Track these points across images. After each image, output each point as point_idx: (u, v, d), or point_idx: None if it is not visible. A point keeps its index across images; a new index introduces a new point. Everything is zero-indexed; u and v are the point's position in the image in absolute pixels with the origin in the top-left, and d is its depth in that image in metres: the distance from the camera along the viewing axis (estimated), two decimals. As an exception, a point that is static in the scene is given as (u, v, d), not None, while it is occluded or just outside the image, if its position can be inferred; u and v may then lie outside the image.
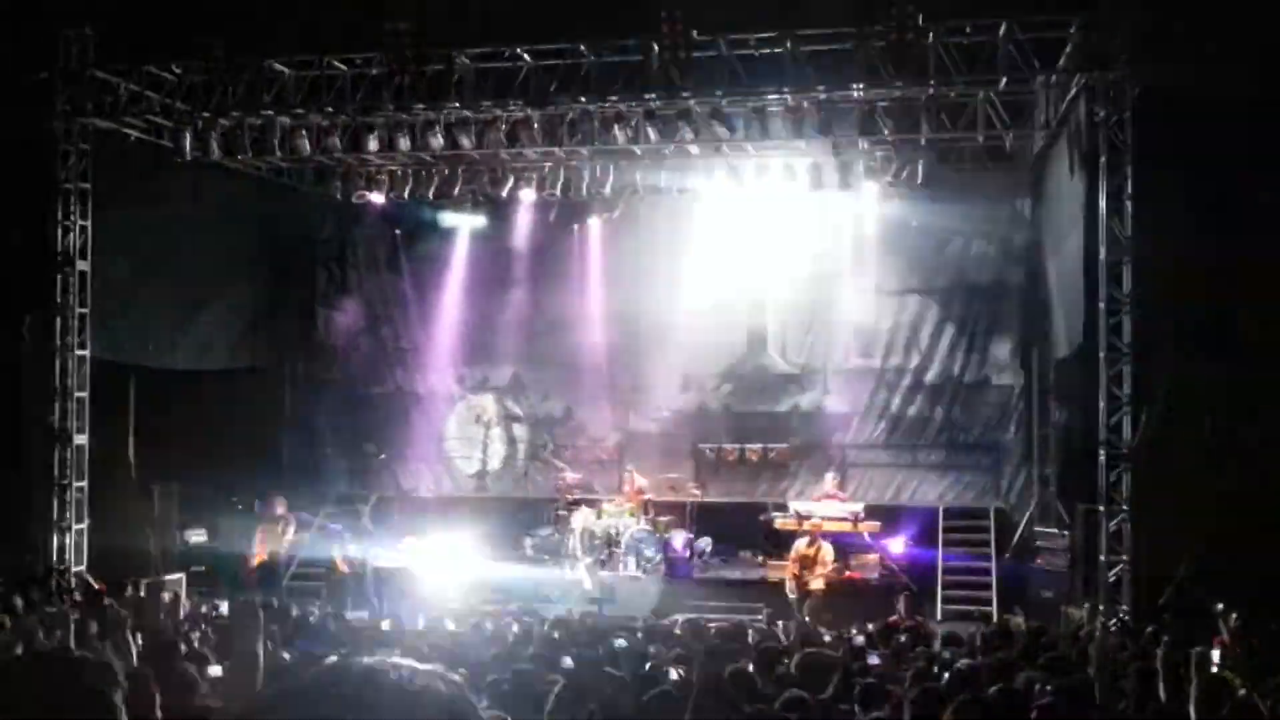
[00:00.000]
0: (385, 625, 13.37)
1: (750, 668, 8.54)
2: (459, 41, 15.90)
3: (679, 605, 15.72)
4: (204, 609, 14.12)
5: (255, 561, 17.21)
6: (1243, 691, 8.74)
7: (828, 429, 20.72)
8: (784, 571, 16.86)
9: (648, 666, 9.06)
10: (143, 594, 15.15)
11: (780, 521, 17.83)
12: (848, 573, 17.36)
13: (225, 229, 19.70)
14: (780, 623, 14.08)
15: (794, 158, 17.88)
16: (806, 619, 15.05)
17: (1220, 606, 11.85)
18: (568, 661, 8.23)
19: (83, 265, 16.92)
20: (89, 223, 16.97)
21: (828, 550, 16.65)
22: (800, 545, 16.71)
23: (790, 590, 16.45)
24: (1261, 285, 13.94)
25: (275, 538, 17.25)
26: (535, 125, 16.73)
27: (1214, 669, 9.35)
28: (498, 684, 7.67)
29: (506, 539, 19.59)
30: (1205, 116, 13.92)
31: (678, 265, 20.55)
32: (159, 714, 4.75)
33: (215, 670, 6.38)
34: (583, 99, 16.18)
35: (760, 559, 18.71)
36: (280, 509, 17.74)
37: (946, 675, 8.72)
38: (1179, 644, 10.27)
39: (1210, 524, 13.82)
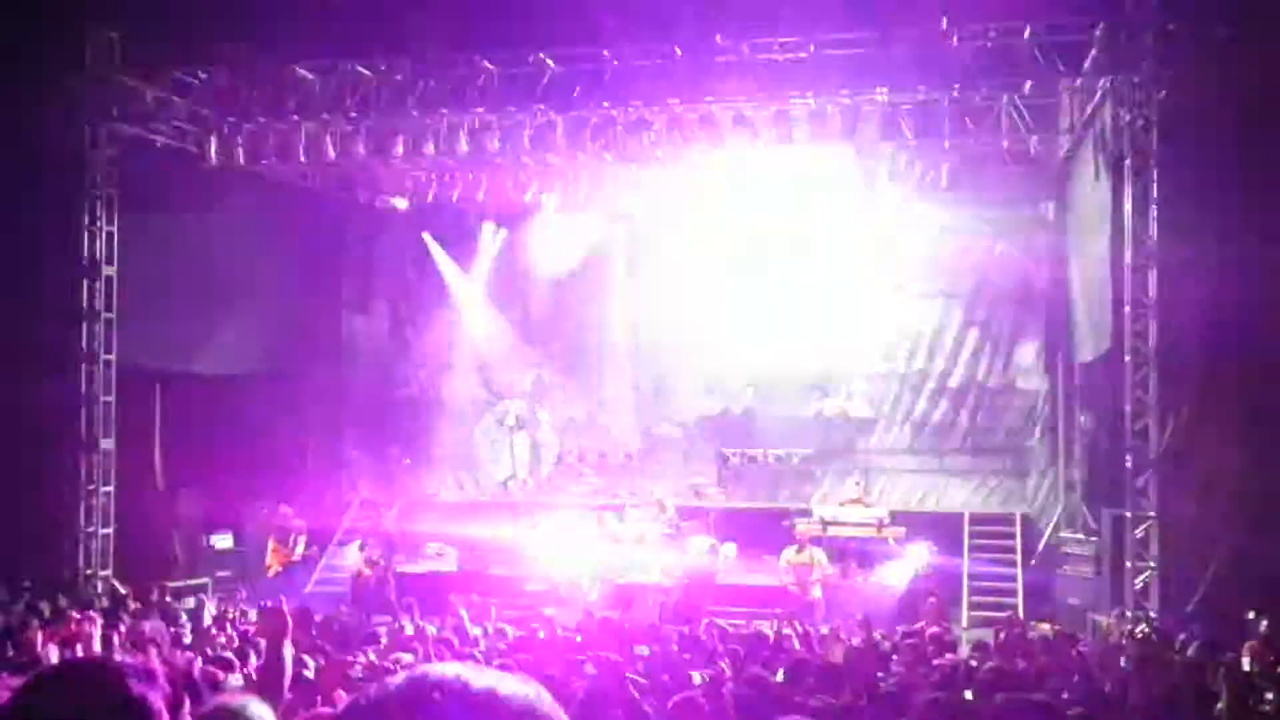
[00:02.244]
0: (408, 630, 13.37)
1: (772, 673, 8.51)
2: (482, 46, 15.92)
3: (702, 611, 15.66)
4: (229, 613, 14.15)
5: (270, 573, 17.16)
6: (1270, 696, 8.68)
7: (851, 433, 20.68)
8: (777, 581, 16.44)
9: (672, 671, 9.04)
10: (168, 598, 15.22)
11: (803, 527, 17.73)
12: (872, 579, 17.29)
13: (250, 234, 19.74)
14: (804, 627, 14.02)
15: (817, 161, 17.84)
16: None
17: (1252, 614, 11.76)
18: (590, 668, 8.20)
19: (109, 270, 17.00)
20: (116, 228, 17.06)
21: (820, 555, 16.37)
22: (789, 554, 16.41)
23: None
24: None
25: (285, 551, 17.11)
26: (559, 130, 16.76)
27: (1244, 675, 9.29)
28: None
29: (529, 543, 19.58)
30: (1231, 118, 13.81)
31: (700, 269, 20.57)
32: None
33: (235, 678, 6.35)
34: (606, 104, 16.20)
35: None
36: (290, 521, 17.59)
37: (972, 683, 8.66)
38: (1209, 650, 10.21)
39: (1239, 529, 13.69)
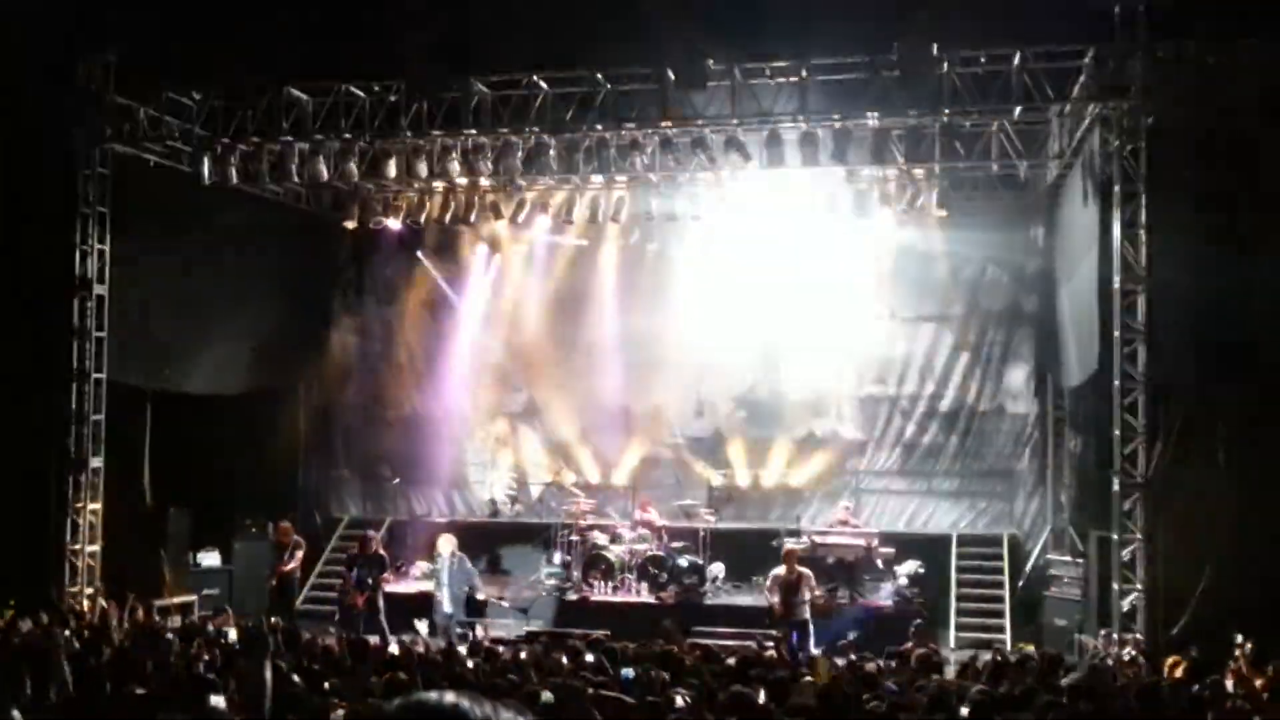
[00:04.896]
0: (394, 649, 13.33)
1: (761, 695, 8.51)
2: (476, 68, 15.99)
3: (689, 630, 15.62)
4: (212, 631, 14.07)
5: (267, 586, 17.17)
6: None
7: (842, 455, 20.70)
8: (765, 600, 16.19)
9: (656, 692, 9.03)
10: (155, 617, 15.16)
11: (792, 547, 17.64)
12: (860, 600, 17.31)
13: (242, 254, 19.72)
14: (791, 647, 14.00)
15: (808, 184, 17.90)
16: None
17: (1239, 637, 11.77)
18: (547, 695, 8.08)
19: (100, 289, 17.00)
20: (108, 247, 17.07)
21: (809, 577, 16.22)
22: (779, 573, 16.29)
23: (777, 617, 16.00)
24: (1276, 312, 13.88)
25: (282, 564, 17.12)
26: (552, 152, 16.82)
27: (1228, 698, 9.31)
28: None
29: (519, 564, 19.61)
30: (1219, 144, 13.90)
31: (692, 291, 20.61)
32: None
33: (218, 699, 6.27)
34: (599, 126, 16.27)
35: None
36: (287, 535, 17.54)
37: (961, 705, 8.66)
38: (1195, 673, 10.22)
39: (1225, 553, 13.72)
